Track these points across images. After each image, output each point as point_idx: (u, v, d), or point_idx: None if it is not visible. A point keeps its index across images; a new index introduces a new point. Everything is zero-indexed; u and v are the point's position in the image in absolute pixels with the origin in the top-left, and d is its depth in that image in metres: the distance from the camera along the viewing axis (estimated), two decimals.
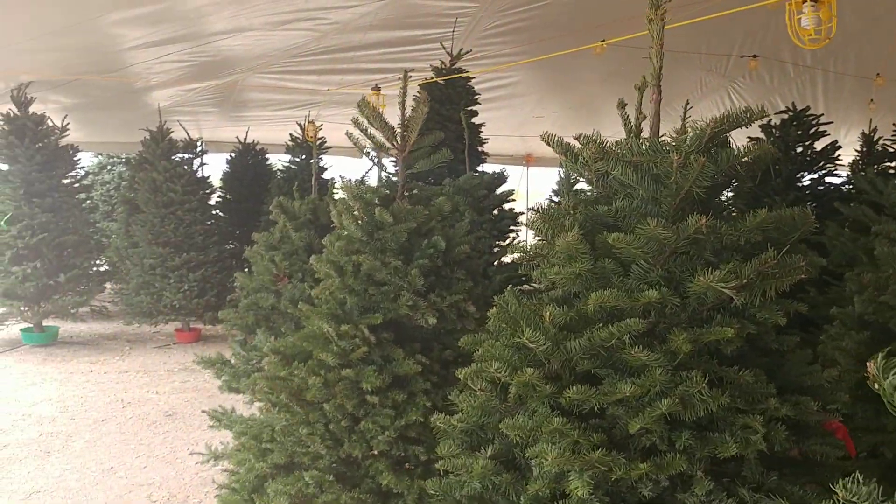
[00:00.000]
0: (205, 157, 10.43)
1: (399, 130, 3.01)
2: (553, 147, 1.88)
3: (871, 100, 11.08)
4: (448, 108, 9.39)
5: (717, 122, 1.69)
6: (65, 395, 6.63)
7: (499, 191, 5.62)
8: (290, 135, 9.55)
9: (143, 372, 7.48)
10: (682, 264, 1.73)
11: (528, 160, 14.71)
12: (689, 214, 1.72)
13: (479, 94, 9.67)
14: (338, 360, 2.82)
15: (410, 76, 3.17)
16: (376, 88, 9.99)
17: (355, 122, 3.04)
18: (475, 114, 9.67)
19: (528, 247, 1.94)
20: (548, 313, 1.70)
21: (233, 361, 4.33)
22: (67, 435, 5.66)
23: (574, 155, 1.88)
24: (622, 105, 2.05)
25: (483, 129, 9.76)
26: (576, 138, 1.87)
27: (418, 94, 9.72)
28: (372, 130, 3.06)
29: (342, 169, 27.08)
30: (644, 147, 1.73)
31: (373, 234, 2.95)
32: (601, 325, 1.70)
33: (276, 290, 4.14)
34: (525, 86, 11.28)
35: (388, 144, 3.07)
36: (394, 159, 4.06)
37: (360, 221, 2.90)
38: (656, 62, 1.87)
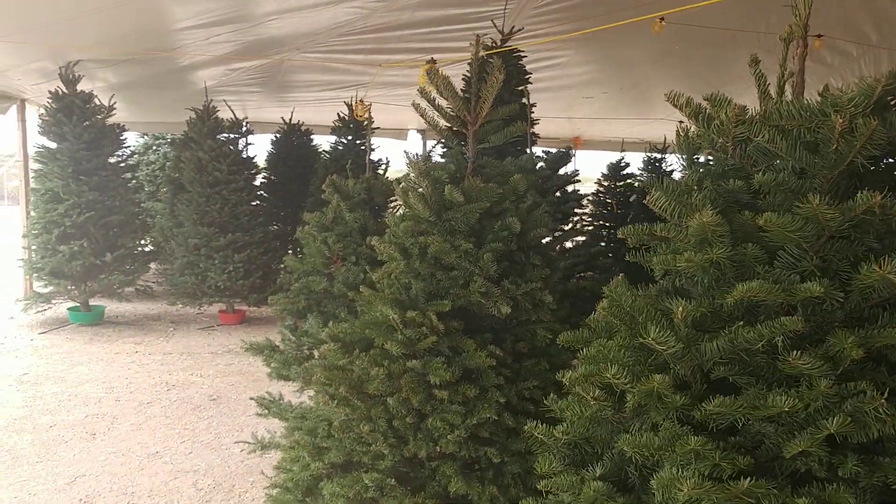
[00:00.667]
0: (249, 137, 10.31)
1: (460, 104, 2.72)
2: (680, 108, 1.57)
3: None
4: (500, 87, 9.06)
5: (891, 77, 1.37)
6: (110, 376, 6.53)
7: (562, 171, 5.28)
8: (338, 114, 9.32)
9: (188, 354, 7.35)
10: (841, 251, 1.42)
11: (575, 143, 14.28)
12: (848, 190, 1.40)
13: (532, 73, 9.33)
14: (403, 350, 2.56)
15: (477, 46, 2.87)
16: (431, 61, 9.56)
17: (422, 92, 2.76)
18: (524, 94, 9.35)
19: (645, 228, 1.64)
20: (680, 309, 1.40)
21: (282, 347, 4.11)
22: (113, 417, 5.53)
23: (706, 118, 1.57)
24: (755, 62, 1.72)
25: (533, 109, 9.43)
26: (706, 98, 1.56)
27: (466, 75, 9.42)
28: (441, 101, 2.77)
29: (386, 151, 26.89)
30: (796, 109, 1.41)
31: (441, 214, 2.67)
32: (740, 323, 1.40)
33: (329, 273, 3.90)
34: (574, 66, 10.86)
35: (457, 116, 2.78)
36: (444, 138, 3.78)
37: (428, 200, 2.62)
38: (804, 9, 1.54)
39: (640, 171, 13.56)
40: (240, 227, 8.26)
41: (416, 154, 2.63)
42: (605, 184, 12.75)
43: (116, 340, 7.82)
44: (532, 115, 9.40)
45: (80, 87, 8.30)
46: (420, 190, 2.60)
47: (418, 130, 13.85)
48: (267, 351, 3.94)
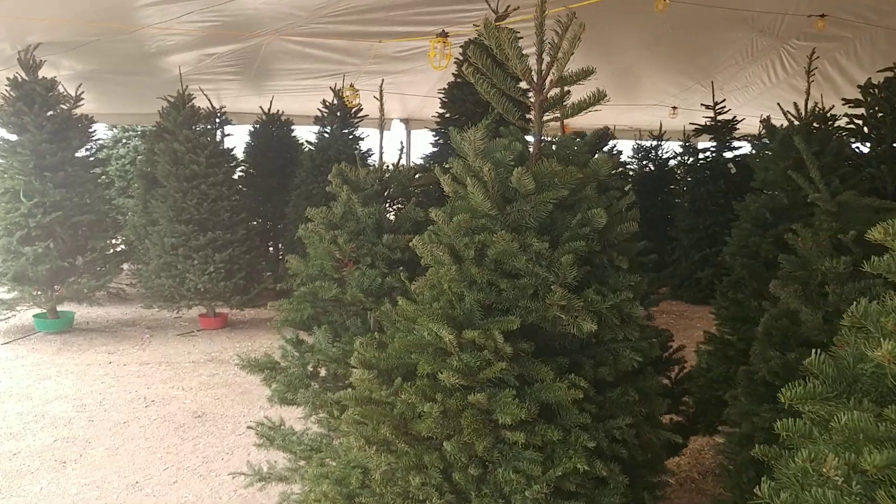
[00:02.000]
0: (226, 128, 9.62)
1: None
2: None
3: None
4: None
5: None
6: (82, 392, 5.85)
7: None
8: (323, 101, 8.66)
9: (166, 364, 6.68)
10: None
11: (564, 130, 13.72)
12: None
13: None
14: (461, 381, 1.98)
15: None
16: (443, 34, 8.66)
17: (477, 46, 2.15)
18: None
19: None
20: None
21: (282, 364, 3.50)
22: (86, 441, 4.86)
23: None
24: None
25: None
26: None
27: (458, 59, 8.82)
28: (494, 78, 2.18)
29: (372, 143, 26.11)
30: None
31: (504, 207, 2.09)
32: None
33: (340, 277, 3.30)
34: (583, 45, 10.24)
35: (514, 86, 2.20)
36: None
37: (489, 189, 2.04)
38: None
39: (630, 159, 13.08)
40: (220, 225, 7.58)
41: (474, 130, 2.04)
42: None
43: (88, 350, 7.11)
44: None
45: (41, 74, 7.55)
46: (483, 176, 2.01)
47: (401, 119, 13.22)
48: (268, 371, 3.34)
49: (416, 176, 3.41)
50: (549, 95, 2.13)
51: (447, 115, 8.75)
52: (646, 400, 2.18)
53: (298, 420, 3.52)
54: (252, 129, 10.64)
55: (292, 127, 10.98)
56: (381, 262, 3.24)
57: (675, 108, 11.72)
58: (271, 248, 10.81)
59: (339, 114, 8.43)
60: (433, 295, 2.20)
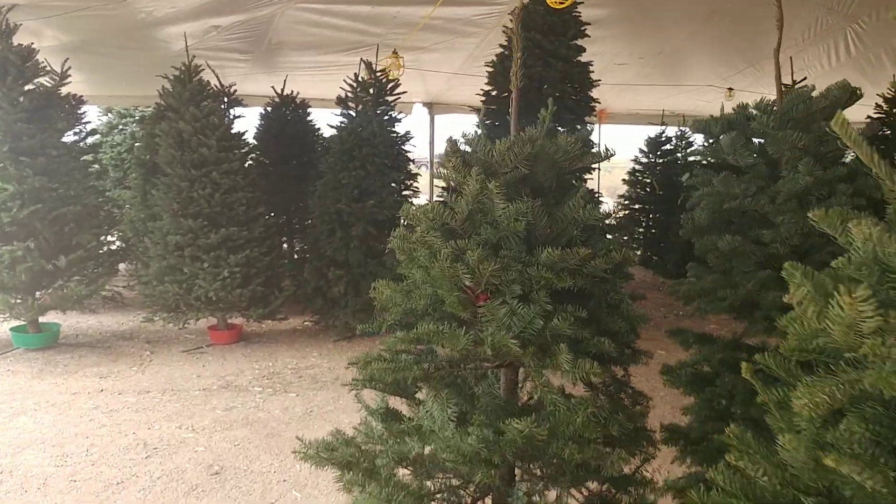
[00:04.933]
0: (236, 109, 8.21)
1: None
2: None
3: None
4: (552, 39, 7.11)
5: None
6: (64, 435, 4.47)
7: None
8: (354, 74, 7.24)
9: (171, 391, 5.31)
10: None
11: (600, 116, 12.38)
12: None
13: (590, 24, 7.39)
14: None
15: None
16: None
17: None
18: (583, 49, 7.41)
19: None
20: None
21: (364, 447, 2.16)
22: None
23: None
24: None
25: (592, 70, 7.50)
26: None
27: (507, 28, 7.44)
28: None
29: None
30: None
31: None
32: None
33: (469, 315, 1.95)
34: (609, 27, 8.86)
35: None
36: None
37: None
38: None
39: (677, 146, 11.64)
40: (234, 220, 6.19)
41: None
42: (644, 161, 10.95)
43: (75, 373, 5.73)
44: (591, 75, 7.49)
45: (16, 41, 6.12)
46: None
47: (424, 104, 11.82)
48: (350, 469, 1.97)
49: (581, 147, 2.04)
50: None
51: (493, 93, 7.40)
52: None
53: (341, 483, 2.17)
54: (263, 112, 9.21)
55: (308, 110, 9.57)
56: (541, 292, 1.88)
57: (730, 89, 10.36)
58: (286, 246, 9.41)
59: (371, 90, 7.01)
60: None
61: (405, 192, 7.43)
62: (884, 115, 8.67)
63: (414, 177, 7.45)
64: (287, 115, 9.24)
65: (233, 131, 6.80)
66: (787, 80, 9.21)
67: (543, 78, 7.04)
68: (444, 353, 1.99)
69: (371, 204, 6.80)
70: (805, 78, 9.17)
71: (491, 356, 1.90)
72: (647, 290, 8.52)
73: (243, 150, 6.93)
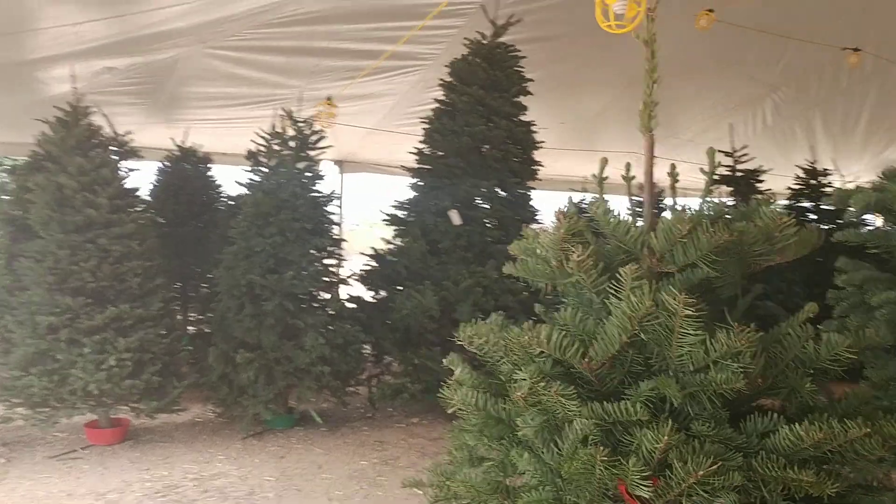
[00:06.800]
0: (129, 162, 6.97)
1: None
2: None
3: None
4: (495, 96, 6.49)
5: None
6: None
7: None
8: (272, 125, 6.24)
9: None
10: None
11: None
12: None
13: (532, 81, 6.83)
14: None
15: None
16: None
17: None
18: (525, 108, 6.84)
19: None
20: None
21: None
22: None
23: None
24: None
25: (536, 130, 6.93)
26: None
27: (443, 80, 6.77)
28: None
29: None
30: None
31: None
32: None
33: None
34: (547, 83, 8.33)
35: None
36: None
37: None
38: None
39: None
40: (127, 295, 4.97)
41: None
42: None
43: None
44: (534, 135, 6.99)
45: None
46: None
47: (335, 161, 10.89)
48: None
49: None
50: None
51: (428, 153, 6.68)
52: None
53: None
54: (161, 167, 8.01)
55: (210, 165, 8.47)
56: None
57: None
58: (179, 317, 8.08)
59: (293, 143, 6.06)
60: None
61: (326, 261, 6.45)
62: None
63: (338, 243, 6.49)
64: (187, 170, 8.09)
65: (126, 187, 5.62)
66: (727, 147, 9.11)
67: (486, 137, 6.40)
68: None
69: (290, 275, 5.80)
70: (746, 146, 9.11)
71: None
72: None
73: (138, 209, 5.75)
